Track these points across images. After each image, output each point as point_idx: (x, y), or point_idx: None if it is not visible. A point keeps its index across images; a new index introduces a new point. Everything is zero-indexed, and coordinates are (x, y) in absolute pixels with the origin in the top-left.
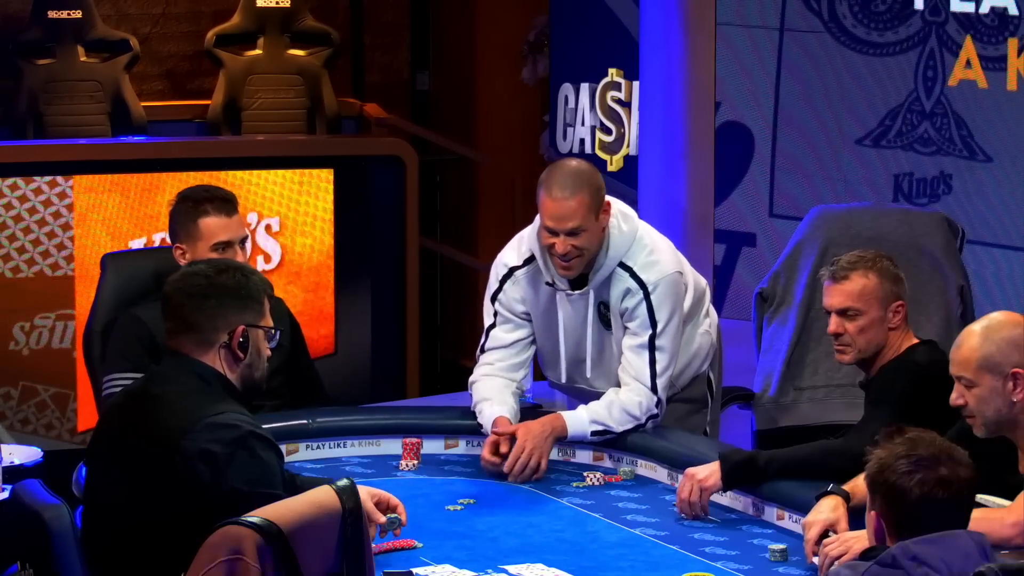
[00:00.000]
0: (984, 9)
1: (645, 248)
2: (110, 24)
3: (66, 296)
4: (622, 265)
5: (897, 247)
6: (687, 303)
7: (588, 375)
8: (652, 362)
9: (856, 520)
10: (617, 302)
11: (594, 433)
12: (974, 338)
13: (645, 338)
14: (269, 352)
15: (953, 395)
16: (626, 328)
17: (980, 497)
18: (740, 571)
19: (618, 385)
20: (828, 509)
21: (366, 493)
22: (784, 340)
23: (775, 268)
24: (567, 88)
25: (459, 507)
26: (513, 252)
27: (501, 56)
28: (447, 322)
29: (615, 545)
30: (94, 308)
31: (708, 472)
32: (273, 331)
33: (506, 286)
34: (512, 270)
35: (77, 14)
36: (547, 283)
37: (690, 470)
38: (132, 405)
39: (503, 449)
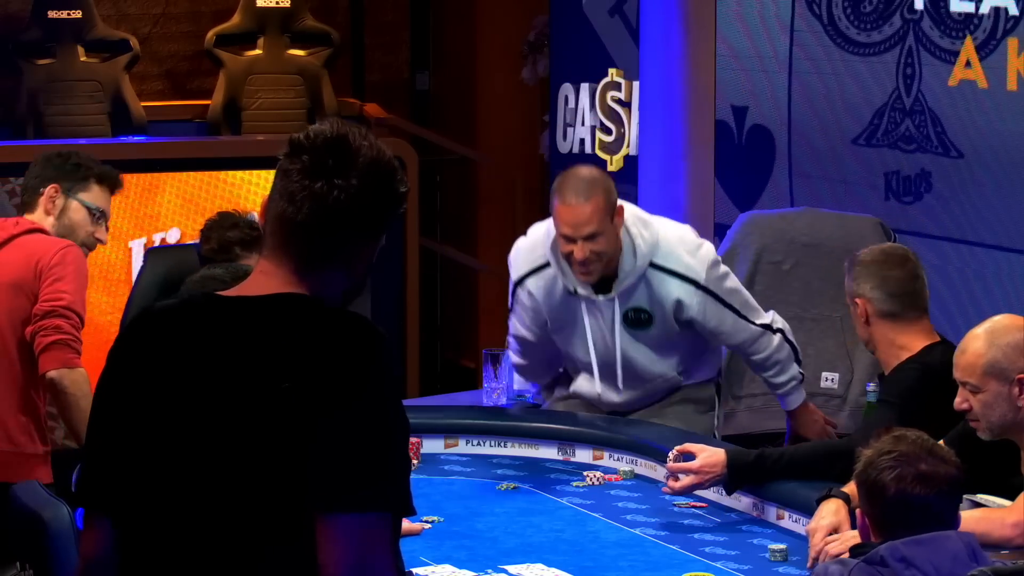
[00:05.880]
0: (984, 9)
1: (672, 245)
2: (110, 24)
3: None
4: (655, 266)
5: (834, 252)
6: None
7: (619, 382)
8: (754, 323)
9: None
10: (670, 310)
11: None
12: (979, 343)
13: (731, 321)
14: None
15: (957, 399)
16: (705, 332)
17: (981, 497)
18: (740, 571)
19: (663, 389)
20: (830, 513)
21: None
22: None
23: None
24: (567, 88)
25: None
26: (522, 261)
27: (501, 56)
28: (447, 322)
29: (615, 545)
30: (128, 301)
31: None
32: None
33: (519, 296)
34: (520, 281)
35: (77, 14)
36: (569, 292)
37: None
38: None
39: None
